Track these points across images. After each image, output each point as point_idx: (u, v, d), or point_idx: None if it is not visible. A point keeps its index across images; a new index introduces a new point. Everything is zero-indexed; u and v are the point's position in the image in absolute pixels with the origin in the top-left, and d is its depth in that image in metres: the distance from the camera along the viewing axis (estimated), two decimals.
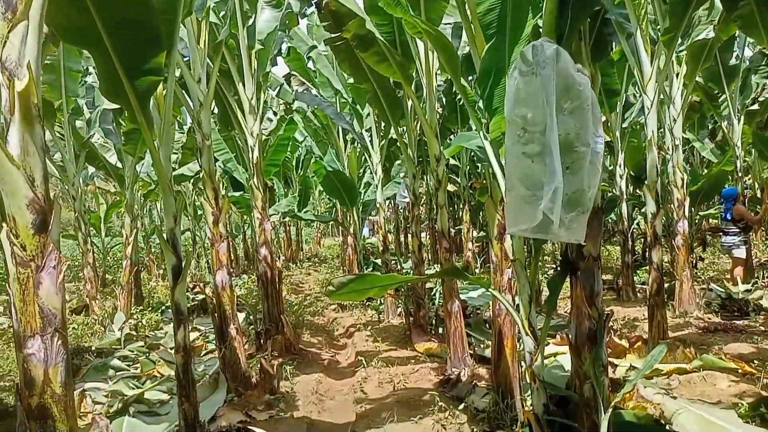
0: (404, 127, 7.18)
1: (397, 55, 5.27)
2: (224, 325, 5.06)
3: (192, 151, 11.78)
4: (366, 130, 8.99)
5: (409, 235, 18.51)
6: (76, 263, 13.30)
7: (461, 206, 12.78)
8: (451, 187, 16.84)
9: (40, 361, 1.98)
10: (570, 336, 2.72)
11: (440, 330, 7.16)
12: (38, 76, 2.20)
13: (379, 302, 9.60)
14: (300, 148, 18.85)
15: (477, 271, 11.77)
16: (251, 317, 8.45)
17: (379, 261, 15.02)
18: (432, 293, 7.53)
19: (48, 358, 1.99)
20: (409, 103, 7.24)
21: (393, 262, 9.84)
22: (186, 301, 3.69)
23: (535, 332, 2.72)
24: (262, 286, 6.75)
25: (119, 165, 9.27)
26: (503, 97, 2.84)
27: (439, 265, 5.59)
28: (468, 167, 11.56)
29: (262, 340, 6.66)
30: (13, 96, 2.02)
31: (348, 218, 11.78)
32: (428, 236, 15.52)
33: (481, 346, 6.10)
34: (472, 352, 5.72)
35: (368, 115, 8.90)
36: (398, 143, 12.24)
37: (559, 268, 2.84)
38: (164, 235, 3.57)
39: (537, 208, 2.17)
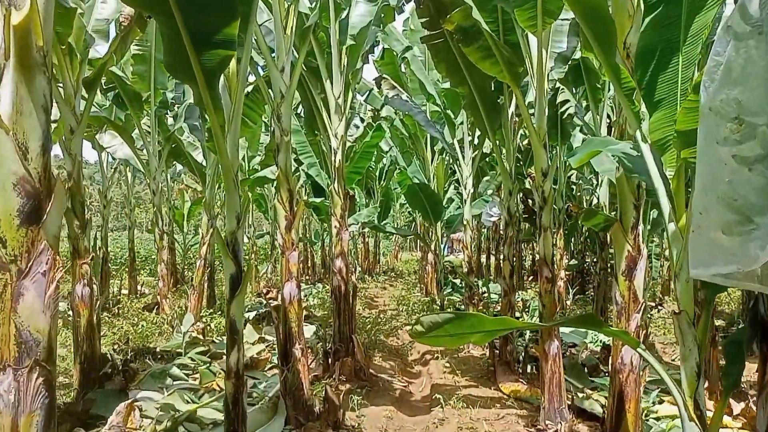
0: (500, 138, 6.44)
1: (505, 49, 4.56)
2: (289, 344, 4.50)
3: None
4: (457, 140, 8.29)
5: (493, 257, 17.56)
6: (153, 257, 13.43)
7: (554, 231, 11.73)
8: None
9: (8, 405, 1.42)
10: (758, 427, 1.89)
11: (529, 368, 6.30)
12: (48, 11, 1.63)
13: None
14: (384, 158, 18.45)
15: (568, 303, 10.72)
16: (321, 332, 7.94)
17: (457, 281, 14.25)
18: None
19: (21, 402, 1.42)
20: (510, 110, 6.49)
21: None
22: (243, 317, 3.13)
23: (703, 419, 1.90)
24: (334, 301, 6.18)
25: (204, 163, 9.11)
26: (672, 84, 2.08)
27: (538, 298, 4.77)
28: (564, 188, 10.58)
29: (330, 361, 6.07)
30: (8, 31, 1.47)
31: (430, 234, 11.09)
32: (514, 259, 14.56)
33: (579, 395, 5.21)
34: (569, 402, 4.85)
35: (461, 123, 8.20)
36: (487, 158, 11.56)
37: (741, 328, 2.01)
38: (224, 238, 3.03)
39: (750, 243, 1.40)
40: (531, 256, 16.46)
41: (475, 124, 6.88)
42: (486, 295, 11.66)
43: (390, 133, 13.74)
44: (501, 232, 20.08)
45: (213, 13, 2.62)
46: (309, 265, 19.00)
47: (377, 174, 18.30)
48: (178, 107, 8.16)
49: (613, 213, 9.17)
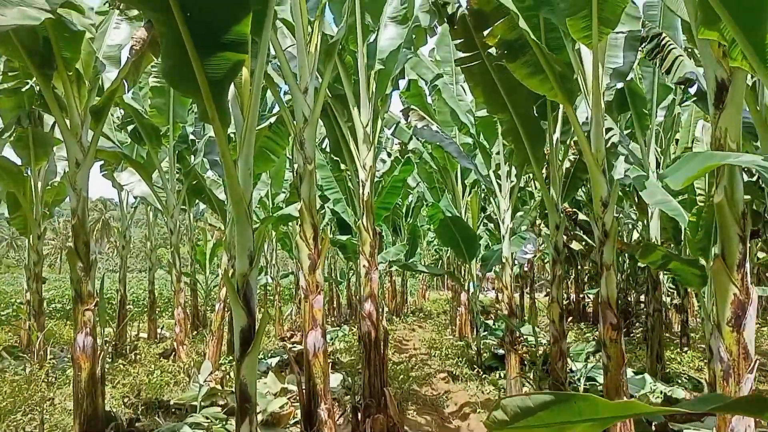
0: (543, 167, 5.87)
1: (558, 63, 4.02)
2: (313, 402, 3.89)
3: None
4: (493, 172, 7.72)
5: (527, 296, 16.71)
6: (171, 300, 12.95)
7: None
8: (575, 245, 15.04)
9: None
10: None
11: None
12: None
13: (498, 375, 8.07)
14: (411, 195, 17.96)
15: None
16: (348, 381, 7.29)
17: (490, 322, 13.45)
18: (576, 376, 5.95)
19: None
20: (555, 135, 5.93)
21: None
22: (256, 380, 2.55)
23: None
24: (363, 349, 5.56)
25: (226, 200, 8.70)
26: None
27: (601, 346, 4.10)
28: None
29: (359, 417, 5.41)
30: None
31: (462, 272, 10.43)
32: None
33: None
34: None
35: (497, 153, 7.65)
36: (520, 192, 10.94)
37: None
38: (234, 282, 2.48)
39: None
40: (566, 296, 15.57)
41: (515, 153, 6.32)
42: (524, 339, 10.87)
43: (417, 169, 13.27)
44: (536, 270, 19.26)
45: (219, 5, 2.14)
46: (334, 305, 18.38)
47: (404, 211, 17.81)
48: (198, 142, 7.79)
49: (671, 246, 8.43)
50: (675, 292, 14.59)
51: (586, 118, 4.45)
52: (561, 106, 6.01)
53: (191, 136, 8.23)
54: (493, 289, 26.21)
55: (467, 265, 8.74)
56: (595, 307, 15.82)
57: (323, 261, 4.01)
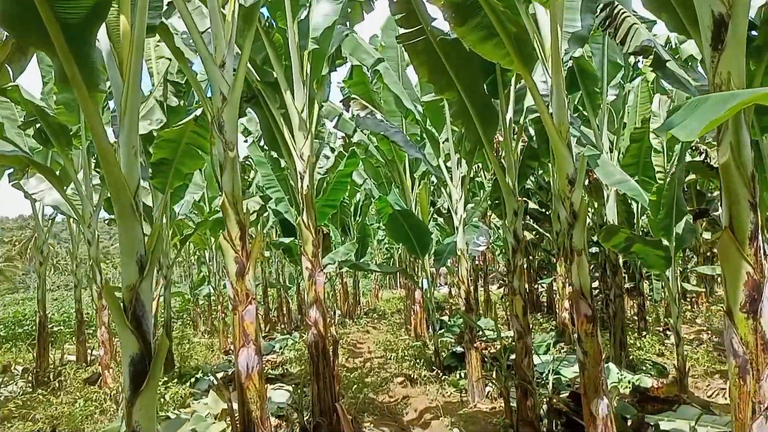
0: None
1: (512, 23, 3.54)
2: None
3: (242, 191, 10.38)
4: (443, 161, 7.24)
5: (482, 290, 16.45)
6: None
7: (555, 255, 10.72)
8: (526, 234, 14.84)
9: None
10: None
11: (554, 426, 5.13)
12: None
13: (459, 375, 7.61)
14: (358, 193, 17.39)
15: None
16: (297, 394, 6.68)
17: (445, 318, 13.00)
18: (544, 375, 5.54)
19: None
20: (508, 115, 5.49)
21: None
22: (155, 425, 1.92)
23: None
24: (311, 361, 4.96)
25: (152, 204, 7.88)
26: None
27: (577, 343, 3.66)
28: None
29: None
30: None
31: (416, 269, 9.95)
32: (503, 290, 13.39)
33: None
34: None
35: (446, 141, 7.18)
36: (470, 183, 10.54)
37: None
38: (119, 300, 1.85)
39: None
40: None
41: (465, 137, 5.84)
42: (480, 333, 10.48)
43: (363, 164, 12.70)
44: (487, 263, 19.01)
45: None
46: (284, 311, 17.61)
47: (352, 210, 17.21)
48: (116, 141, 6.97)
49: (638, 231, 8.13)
50: (626, 276, 14.62)
51: (545, 89, 4.00)
52: (512, 82, 5.58)
53: (110, 136, 7.36)
54: (446, 284, 25.96)
55: (420, 261, 8.23)
56: (549, 297, 15.69)
57: (253, 265, 3.39)
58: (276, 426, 5.45)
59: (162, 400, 6.77)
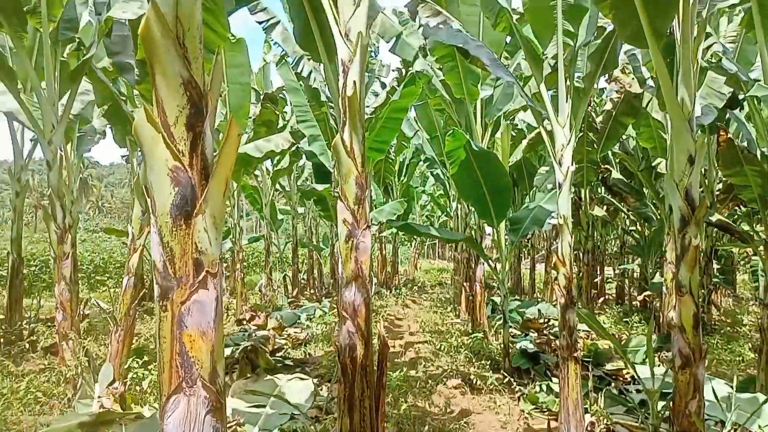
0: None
1: None
2: None
3: (268, 126, 8.43)
4: (545, 84, 5.02)
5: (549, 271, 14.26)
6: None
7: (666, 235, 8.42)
8: (597, 211, 12.54)
9: None
10: None
11: None
12: None
13: (539, 387, 5.60)
14: (405, 152, 15.33)
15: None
16: (320, 394, 4.81)
17: (496, 299, 10.80)
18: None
19: None
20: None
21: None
22: None
23: None
24: (342, 378, 2.98)
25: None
26: None
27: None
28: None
29: None
30: None
31: (480, 237, 7.87)
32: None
33: None
34: None
35: (553, 57, 4.99)
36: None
37: None
38: None
39: None
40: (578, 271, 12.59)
41: (617, 27, 3.65)
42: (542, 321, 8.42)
43: (416, 112, 10.55)
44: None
45: None
46: (314, 275, 15.87)
47: (396, 168, 15.16)
48: (93, 27, 5.02)
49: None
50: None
51: None
52: None
53: (87, 18, 5.40)
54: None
55: (496, 230, 6.12)
56: (620, 286, 13.42)
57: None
58: None
59: (130, 390, 5.00)
